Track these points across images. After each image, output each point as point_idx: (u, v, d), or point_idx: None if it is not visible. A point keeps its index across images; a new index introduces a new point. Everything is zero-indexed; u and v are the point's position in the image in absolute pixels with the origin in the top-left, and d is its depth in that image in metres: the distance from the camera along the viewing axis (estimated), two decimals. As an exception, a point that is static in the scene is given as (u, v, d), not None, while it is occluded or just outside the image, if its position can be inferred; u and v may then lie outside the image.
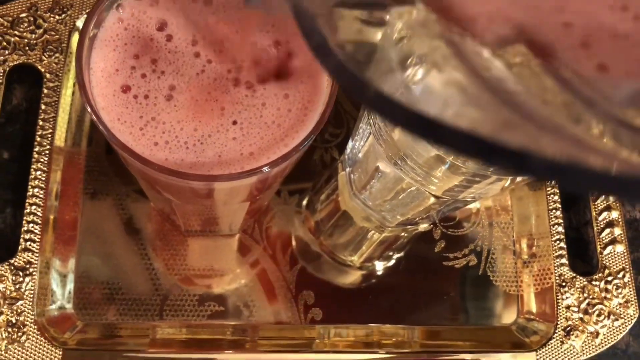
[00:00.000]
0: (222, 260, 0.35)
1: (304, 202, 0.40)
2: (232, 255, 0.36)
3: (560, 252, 0.37)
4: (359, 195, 0.36)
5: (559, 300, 0.36)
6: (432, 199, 0.32)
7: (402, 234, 0.39)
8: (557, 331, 0.36)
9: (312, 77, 0.24)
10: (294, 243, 0.38)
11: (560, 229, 0.38)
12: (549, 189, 0.38)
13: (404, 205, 0.35)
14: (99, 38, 0.23)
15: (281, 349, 0.35)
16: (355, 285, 0.38)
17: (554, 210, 0.38)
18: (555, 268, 0.37)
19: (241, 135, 0.23)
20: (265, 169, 0.23)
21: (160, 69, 0.23)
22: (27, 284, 0.32)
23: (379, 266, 0.39)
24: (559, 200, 0.38)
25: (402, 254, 0.39)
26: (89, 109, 0.22)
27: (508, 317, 0.37)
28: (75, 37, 0.36)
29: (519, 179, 0.27)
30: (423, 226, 0.38)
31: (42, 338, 0.31)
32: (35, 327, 0.31)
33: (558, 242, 0.37)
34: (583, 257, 0.39)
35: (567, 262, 0.37)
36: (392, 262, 0.39)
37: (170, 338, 0.34)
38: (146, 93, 0.23)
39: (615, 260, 0.37)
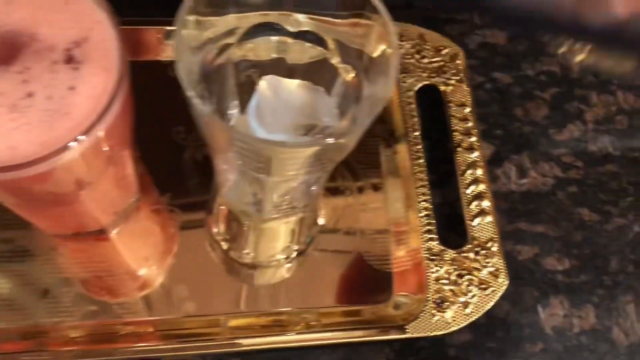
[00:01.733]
0: (93, 261, 0.36)
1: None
2: (103, 255, 0.37)
3: (427, 227, 0.38)
4: (228, 191, 0.37)
5: (429, 274, 0.37)
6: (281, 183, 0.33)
7: (288, 225, 0.40)
8: (427, 304, 0.36)
9: (106, 69, 0.26)
10: (180, 242, 0.39)
11: (428, 205, 0.39)
12: (416, 168, 0.40)
13: (263, 193, 0.36)
14: None
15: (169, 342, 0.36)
16: (236, 277, 0.39)
17: (421, 188, 0.39)
18: (424, 243, 0.38)
19: (34, 127, 0.24)
20: (56, 157, 0.24)
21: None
22: None
23: (274, 260, 0.40)
24: (427, 178, 0.39)
25: (297, 246, 0.40)
26: None
27: (383, 295, 0.38)
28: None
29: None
30: (298, 215, 0.39)
31: None
32: None
33: (426, 218, 0.38)
34: (457, 231, 0.40)
35: (436, 236, 0.38)
36: (291, 254, 0.40)
37: (49, 337, 0.35)
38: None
39: (484, 231, 0.38)
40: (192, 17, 0.28)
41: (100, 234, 0.37)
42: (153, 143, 0.39)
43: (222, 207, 0.41)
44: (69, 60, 0.26)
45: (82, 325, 0.35)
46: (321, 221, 0.40)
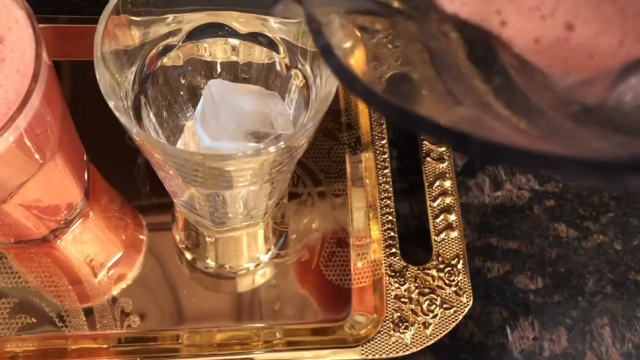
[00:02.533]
0: (36, 270, 0.35)
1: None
2: (48, 265, 0.35)
3: (390, 242, 0.36)
4: (180, 201, 0.35)
5: (389, 292, 0.35)
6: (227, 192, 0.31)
7: (250, 234, 0.38)
8: (385, 324, 0.34)
9: (20, 72, 0.24)
10: (144, 248, 0.38)
11: (391, 218, 0.36)
12: (381, 178, 0.37)
13: (212, 206, 0.34)
14: None
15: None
16: (199, 289, 0.37)
17: (385, 200, 0.37)
18: (386, 258, 0.36)
19: None
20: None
21: None
22: None
23: (241, 270, 0.38)
24: (392, 189, 0.37)
25: (263, 256, 0.38)
26: None
27: (341, 311, 0.36)
28: None
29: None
30: (259, 225, 0.37)
31: None
32: None
33: (389, 231, 0.36)
34: (424, 246, 0.38)
35: (397, 252, 0.36)
36: (259, 264, 0.38)
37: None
38: None
39: (449, 247, 0.36)
40: (120, 17, 0.26)
41: (44, 242, 0.35)
42: (104, 147, 0.38)
43: (181, 217, 0.39)
44: (-17, 60, 0.24)
45: (23, 340, 0.34)
46: (285, 231, 0.38)
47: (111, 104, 0.24)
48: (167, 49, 0.30)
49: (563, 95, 0.18)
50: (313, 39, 0.18)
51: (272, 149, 0.25)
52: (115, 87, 0.25)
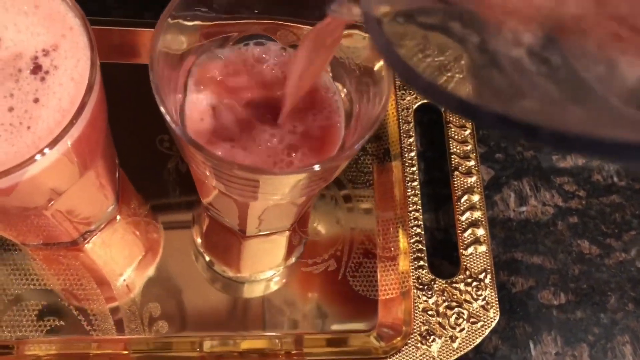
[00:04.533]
0: (63, 273, 0.35)
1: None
2: (74, 267, 0.35)
3: (417, 254, 0.36)
4: (209, 205, 0.35)
5: (417, 304, 0.35)
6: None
7: (273, 242, 0.38)
8: (412, 336, 0.34)
9: (75, 80, 0.24)
10: (160, 254, 0.38)
11: (419, 230, 0.37)
12: (410, 190, 0.38)
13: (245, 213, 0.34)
14: None
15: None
16: (218, 294, 0.37)
17: (413, 212, 0.37)
18: (414, 271, 0.36)
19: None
20: (14, 174, 0.22)
21: None
22: None
23: (259, 277, 0.38)
24: (420, 202, 0.37)
25: (284, 264, 0.39)
26: None
27: (367, 323, 0.36)
28: None
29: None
30: (284, 234, 0.37)
31: None
32: None
33: (417, 244, 0.36)
34: (450, 259, 0.38)
35: (425, 264, 0.36)
36: (278, 272, 0.38)
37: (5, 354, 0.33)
38: None
39: (477, 261, 0.36)
40: (174, 22, 0.26)
41: (73, 245, 0.35)
42: (136, 151, 0.38)
43: (206, 220, 0.39)
44: (36, 69, 0.24)
45: (48, 342, 0.33)
46: (308, 240, 0.38)
47: (164, 110, 0.23)
48: (211, 57, 0.30)
49: (635, 86, 0.17)
50: (371, 37, 0.18)
51: (316, 167, 0.25)
52: (165, 90, 0.25)
